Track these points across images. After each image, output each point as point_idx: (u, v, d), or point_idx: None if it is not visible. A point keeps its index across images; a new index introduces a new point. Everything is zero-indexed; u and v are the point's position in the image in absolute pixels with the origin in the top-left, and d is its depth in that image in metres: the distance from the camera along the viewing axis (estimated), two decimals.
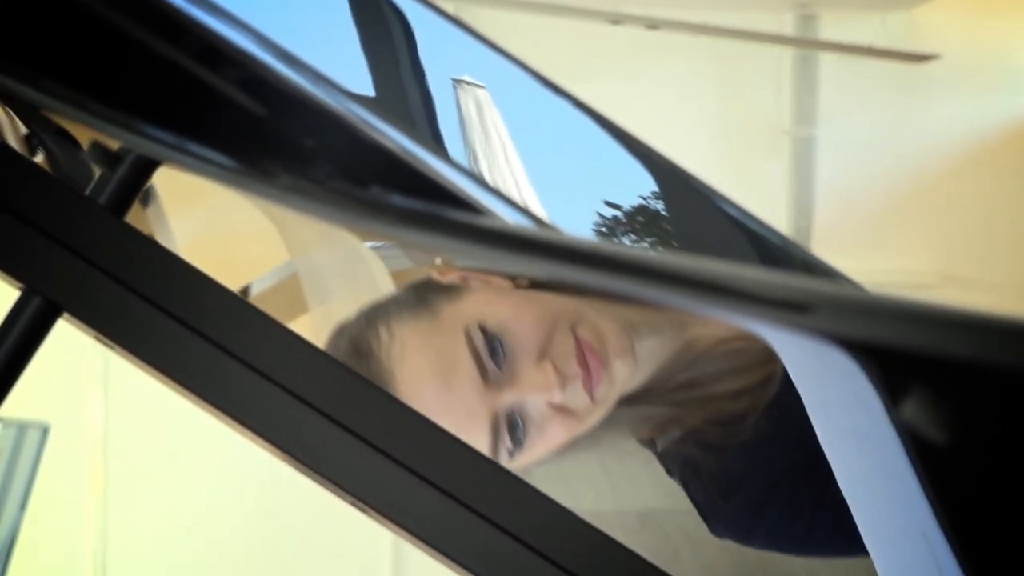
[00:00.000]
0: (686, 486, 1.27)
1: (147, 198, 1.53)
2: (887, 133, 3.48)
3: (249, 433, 0.71)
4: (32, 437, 2.70)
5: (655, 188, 1.29)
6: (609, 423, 1.22)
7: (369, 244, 1.60)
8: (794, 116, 3.40)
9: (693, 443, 1.25)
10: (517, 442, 1.16)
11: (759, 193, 3.37)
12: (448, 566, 0.70)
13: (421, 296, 1.22)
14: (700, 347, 1.27)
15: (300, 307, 1.64)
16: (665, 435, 1.27)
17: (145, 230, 1.58)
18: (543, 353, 1.16)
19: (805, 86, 3.41)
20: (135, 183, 0.63)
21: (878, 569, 0.62)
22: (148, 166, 0.63)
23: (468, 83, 1.13)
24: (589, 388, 1.16)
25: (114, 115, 0.57)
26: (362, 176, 0.56)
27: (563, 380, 1.15)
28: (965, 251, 3.45)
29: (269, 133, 0.56)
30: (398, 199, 0.54)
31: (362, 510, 0.72)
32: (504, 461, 1.16)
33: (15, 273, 0.68)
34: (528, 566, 0.68)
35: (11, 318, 0.69)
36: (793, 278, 0.63)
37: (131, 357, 0.67)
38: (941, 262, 3.40)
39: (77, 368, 3.19)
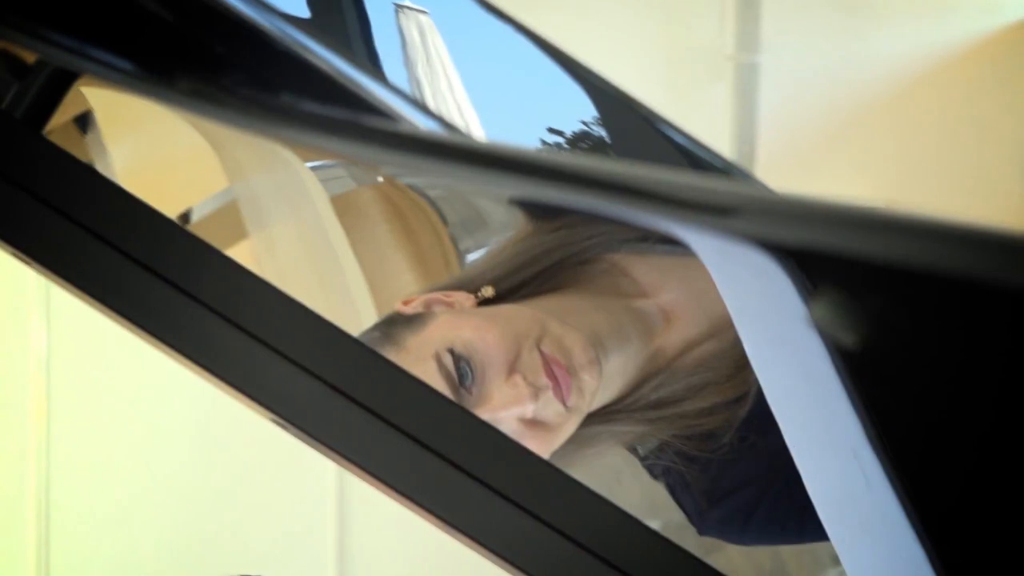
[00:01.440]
0: (672, 491, 1.30)
1: (85, 125, 1.51)
2: (831, 59, 3.47)
3: (180, 358, 0.70)
4: None
5: (597, 113, 1.29)
6: (586, 440, 1.24)
7: (310, 165, 1.60)
8: (737, 42, 3.39)
9: (674, 454, 1.28)
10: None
11: (702, 119, 3.36)
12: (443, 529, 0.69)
13: (385, 332, 1.25)
14: (668, 356, 1.29)
15: (240, 233, 1.64)
16: (645, 445, 1.30)
17: (84, 157, 1.57)
18: (511, 369, 1.18)
19: (748, 11, 3.39)
20: (52, 96, 0.61)
21: (805, 480, 0.62)
22: (65, 78, 0.61)
23: (411, 8, 1.13)
24: (560, 396, 1.18)
25: (26, 24, 0.55)
26: (274, 84, 0.55)
27: (534, 392, 1.17)
28: (909, 177, 3.46)
29: (179, 40, 0.55)
30: (310, 106, 0.53)
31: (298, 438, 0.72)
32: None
33: None
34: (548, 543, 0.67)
35: None
36: (716, 182, 0.63)
37: (49, 274, 0.66)
38: (885, 188, 3.41)
39: (17, 294, 3.16)
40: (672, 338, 1.29)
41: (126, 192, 0.62)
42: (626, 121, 1.21)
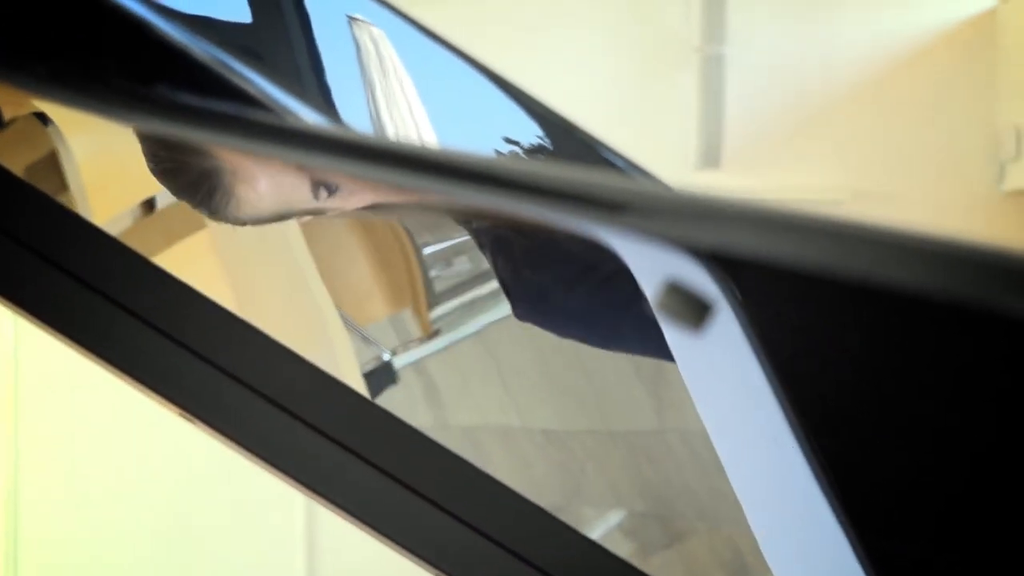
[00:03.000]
0: (495, 261, 1.33)
1: (46, 117, 1.50)
2: (797, 49, 3.47)
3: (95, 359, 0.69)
4: None
5: (539, 140, 1.30)
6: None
7: None
8: (703, 33, 3.38)
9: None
10: (333, 188, 1.20)
11: (669, 111, 3.35)
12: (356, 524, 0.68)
13: None
14: None
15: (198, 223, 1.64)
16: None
17: (47, 147, 1.55)
18: None
19: (714, 2, 3.39)
20: None
21: (724, 464, 0.61)
22: None
23: (363, 21, 1.15)
24: None
25: None
26: (150, 74, 0.54)
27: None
28: (876, 167, 3.47)
29: (49, 26, 0.53)
30: (188, 98, 0.51)
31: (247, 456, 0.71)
32: (321, 202, 1.22)
33: None
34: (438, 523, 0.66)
35: None
36: (632, 182, 0.62)
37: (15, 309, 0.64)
38: (852, 178, 3.41)
39: None
40: None
41: (58, 202, 0.60)
42: (569, 148, 1.22)
